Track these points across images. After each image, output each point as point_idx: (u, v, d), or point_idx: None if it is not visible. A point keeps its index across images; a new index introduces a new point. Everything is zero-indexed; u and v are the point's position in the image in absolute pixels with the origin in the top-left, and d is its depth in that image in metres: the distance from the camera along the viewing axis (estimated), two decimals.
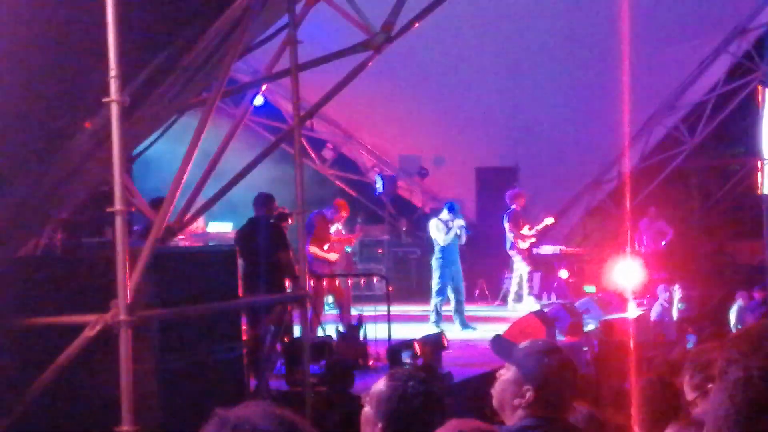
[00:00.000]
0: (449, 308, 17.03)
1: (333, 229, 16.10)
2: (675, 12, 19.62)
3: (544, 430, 4.08)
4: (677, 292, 17.55)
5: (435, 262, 17.13)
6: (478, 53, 20.11)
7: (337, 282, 15.57)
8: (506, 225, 19.10)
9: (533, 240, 19.50)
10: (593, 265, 21.24)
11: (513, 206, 19.33)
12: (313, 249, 14.63)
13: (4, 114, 6.97)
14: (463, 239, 17.20)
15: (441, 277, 16.93)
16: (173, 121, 10.80)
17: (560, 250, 21.42)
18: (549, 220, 20.03)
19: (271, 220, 12.87)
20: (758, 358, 1.96)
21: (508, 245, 19.30)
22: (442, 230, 16.96)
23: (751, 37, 21.96)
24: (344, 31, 10.91)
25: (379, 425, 4.08)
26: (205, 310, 8.53)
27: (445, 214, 17.17)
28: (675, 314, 17.57)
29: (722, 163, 25.71)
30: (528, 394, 4.12)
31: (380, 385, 4.18)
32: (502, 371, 4.30)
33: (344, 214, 16.04)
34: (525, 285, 19.25)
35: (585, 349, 14.54)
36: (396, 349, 12.24)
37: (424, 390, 4.10)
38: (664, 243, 21.90)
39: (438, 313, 16.83)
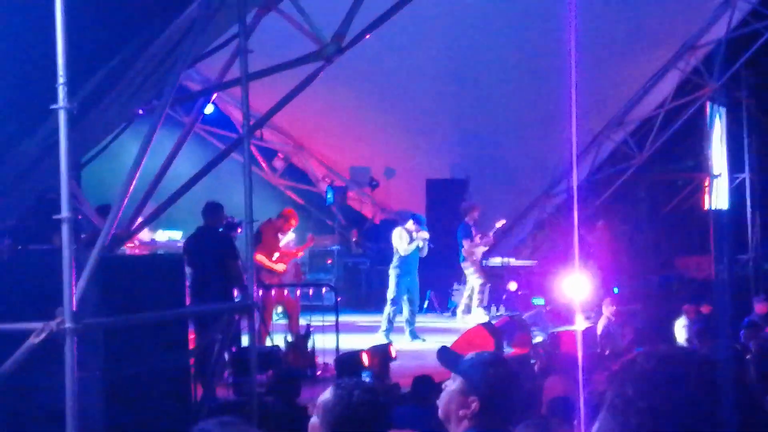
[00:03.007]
0: (401, 319, 17.00)
1: (284, 240, 16.02)
2: (624, 27, 19.75)
3: None
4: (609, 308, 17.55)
5: (393, 271, 17.08)
6: (429, 66, 20.15)
7: (285, 292, 15.51)
8: (463, 242, 19.09)
9: (487, 249, 19.54)
10: (542, 278, 21.26)
11: (466, 219, 19.38)
12: (260, 257, 14.49)
13: None
14: (425, 252, 17.18)
15: (397, 286, 16.88)
16: (123, 129, 10.75)
17: (509, 262, 21.47)
18: (500, 223, 20.01)
19: (220, 229, 12.82)
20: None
21: (461, 258, 19.31)
22: (405, 239, 16.92)
23: (700, 54, 22.17)
24: (295, 41, 10.90)
25: None
26: (152, 318, 8.48)
27: (410, 224, 17.15)
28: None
29: (670, 178, 25.88)
30: (473, 405, 4.13)
31: (327, 394, 4.20)
32: (448, 382, 4.32)
33: (293, 222, 15.89)
34: (476, 297, 19.23)
35: (533, 361, 14.57)
36: (344, 359, 12.23)
37: (369, 399, 4.11)
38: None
39: (390, 322, 16.74)
